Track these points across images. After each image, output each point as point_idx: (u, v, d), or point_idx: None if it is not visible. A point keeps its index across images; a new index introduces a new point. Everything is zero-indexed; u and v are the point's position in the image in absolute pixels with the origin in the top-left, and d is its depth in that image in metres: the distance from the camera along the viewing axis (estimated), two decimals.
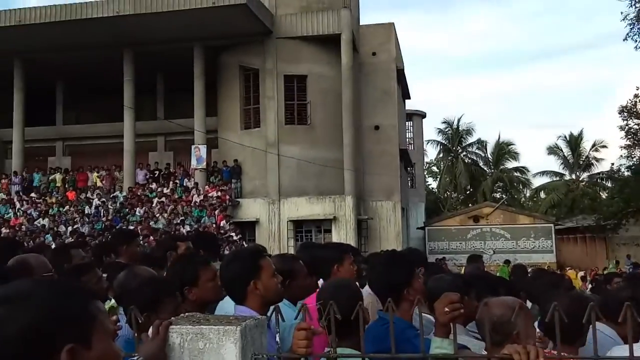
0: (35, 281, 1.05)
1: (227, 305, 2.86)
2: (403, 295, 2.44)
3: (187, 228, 19.43)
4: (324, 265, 3.66)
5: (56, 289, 1.01)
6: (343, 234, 21.76)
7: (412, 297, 2.40)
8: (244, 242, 19.47)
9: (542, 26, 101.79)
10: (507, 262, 19.27)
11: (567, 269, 23.35)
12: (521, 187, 47.34)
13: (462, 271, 8.92)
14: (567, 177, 43.78)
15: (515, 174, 46.09)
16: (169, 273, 2.86)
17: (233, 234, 19.66)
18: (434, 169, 50.46)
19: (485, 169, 46.30)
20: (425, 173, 43.26)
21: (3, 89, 24.96)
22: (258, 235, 22.06)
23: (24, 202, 22.56)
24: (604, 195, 38.67)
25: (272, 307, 1.84)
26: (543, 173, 44.92)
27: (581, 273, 22.40)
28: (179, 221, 20.05)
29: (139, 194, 22.17)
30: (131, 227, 18.08)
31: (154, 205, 21.34)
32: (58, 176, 23.97)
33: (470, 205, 39.69)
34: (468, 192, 46.21)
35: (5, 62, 23.78)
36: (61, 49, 23.07)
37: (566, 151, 43.31)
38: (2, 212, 22.16)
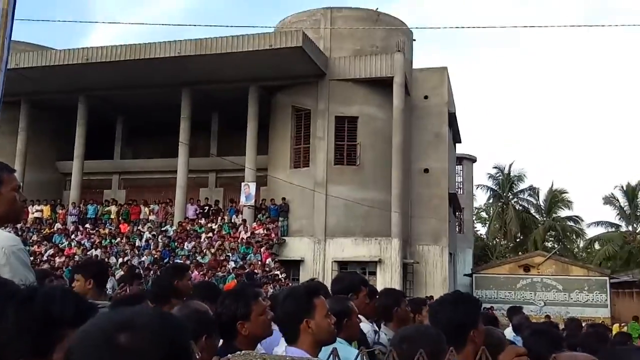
0: (150, 311, 1.00)
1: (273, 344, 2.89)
2: (469, 337, 2.38)
3: (232, 264, 19.60)
4: (383, 310, 3.89)
5: (170, 322, 0.98)
6: (388, 277, 21.47)
7: (477, 339, 2.34)
8: (288, 282, 19.43)
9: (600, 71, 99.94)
10: (547, 317, 18.44)
11: (622, 325, 22.18)
12: (575, 237, 45.65)
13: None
14: (624, 229, 42.04)
15: (569, 223, 44.56)
16: (220, 307, 2.88)
17: (278, 272, 19.68)
18: (483, 214, 49.40)
19: (537, 216, 44.99)
20: (474, 218, 42.40)
21: (66, 123, 26.21)
22: (302, 275, 21.98)
23: (79, 233, 23.31)
24: None
25: (329, 350, 1.84)
26: (598, 223, 43.24)
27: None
28: (224, 257, 20.26)
29: (188, 228, 22.60)
30: (178, 261, 18.35)
31: (202, 240, 21.67)
32: (113, 208, 24.71)
33: (520, 253, 38.51)
34: (518, 240, 44.90)
35: (70, 97, 25.06)
36: (124, 86, 24.17)
37: (623, 202, 41.75)
38: (58, 242, 22.94)
